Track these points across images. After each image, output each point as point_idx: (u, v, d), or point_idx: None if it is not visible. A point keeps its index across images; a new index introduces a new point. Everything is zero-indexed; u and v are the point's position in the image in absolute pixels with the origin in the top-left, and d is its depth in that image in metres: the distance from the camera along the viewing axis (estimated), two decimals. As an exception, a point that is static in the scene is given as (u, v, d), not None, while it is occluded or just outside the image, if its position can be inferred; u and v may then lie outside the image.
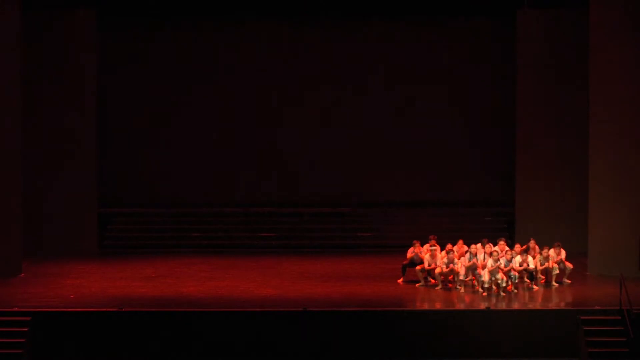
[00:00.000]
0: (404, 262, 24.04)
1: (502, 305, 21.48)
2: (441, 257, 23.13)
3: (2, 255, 24.71)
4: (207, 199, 31.54)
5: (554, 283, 23.54)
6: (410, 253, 23.88)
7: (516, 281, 22.57)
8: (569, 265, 23.71)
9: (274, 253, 28.84)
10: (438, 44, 31.84)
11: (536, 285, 23.26)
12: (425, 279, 23.62)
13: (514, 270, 22.55)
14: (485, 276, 22.33)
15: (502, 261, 22.41)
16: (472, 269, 22.77)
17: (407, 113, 31.90)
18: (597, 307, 20.77)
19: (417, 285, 23.52)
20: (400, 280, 23.96)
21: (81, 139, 28.86)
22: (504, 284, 22.28)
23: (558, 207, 28.48)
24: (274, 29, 31.80)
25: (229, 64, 31.79)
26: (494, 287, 22.43)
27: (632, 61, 24.85)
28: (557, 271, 23.56)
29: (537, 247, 23.94)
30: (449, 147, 31.75)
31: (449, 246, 23.25)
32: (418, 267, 23.56)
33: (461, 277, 22.85)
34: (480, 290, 22.53)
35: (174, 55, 31.68)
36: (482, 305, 21.35)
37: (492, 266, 22.24)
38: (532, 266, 23.27)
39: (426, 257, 23.41)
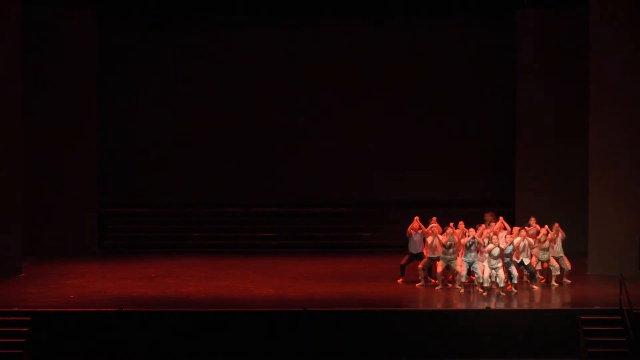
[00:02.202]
0: (402, 262, 24.03)
1: (502, 305, 21.48)
2: (443, 235, 23.14)
3: (2, 255, 24.72)
4: (207, 199, 31.53)
5: (553, 283, 23.53)
6: (410, 230, 23.76)
7: (515, 281, 22.56)
8: (568, 264, 23.68)
9: (274, 253, 28.85)
10: (438, 43, 31.82)
11: (536, 285, 23.26)
12: (426, 278, 23.64)
13: (515, 246, 22.62)
14: (486, 272, 22.31)
15: (501, 240, 22.41)
16: (472, 245, 22.65)
17: (407, 113, 31.89)
18: (597, 307, 20.77)
19: (417, 285, 23.53)
20: (400, 280, 23.96)
21: (81, 138, 28.85)
22: (502, 284, 22.30)
23: (558, 207, 28.45)
24: (274, 29, 31.77)
25: (229, 64, 31.77)
26: (494, 287, 22.45)
27: (632, 61, 24.86)
28: (558, 272, 23.54)
29: (537, 225, 23.81)
30: (448, 147, 31.73)
31: (450, 226, 23.28)
32: (420, 265, 23.57)
33: (462, 279, 22.86)
34: (480, 290, 22.54)
35: (175, 55, 31.66)
36: (482, 305, 21.36)
37: (491, 247, 22.21)
38: (531, 240, 23.20)
39: (429, 238, 23.34)
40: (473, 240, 22.62)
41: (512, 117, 29.99)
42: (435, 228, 23.45)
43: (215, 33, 31.76)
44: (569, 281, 23.86)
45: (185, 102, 31.74)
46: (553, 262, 23.48)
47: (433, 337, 20.47)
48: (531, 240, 23.28)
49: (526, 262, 23.12)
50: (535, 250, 23.38)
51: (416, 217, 24.02)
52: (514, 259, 22.73)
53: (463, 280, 22.86)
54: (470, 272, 23.07)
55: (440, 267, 23.18)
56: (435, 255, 23.30)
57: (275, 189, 31.75)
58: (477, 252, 22.72)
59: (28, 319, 20.18)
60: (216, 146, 31.78)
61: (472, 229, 22.93)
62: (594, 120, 25.38)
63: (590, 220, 25.49)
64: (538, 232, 23.63)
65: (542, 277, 23.78)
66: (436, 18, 31.44)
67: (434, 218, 23.72)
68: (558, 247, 23.64)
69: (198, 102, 31.77)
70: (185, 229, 30.62)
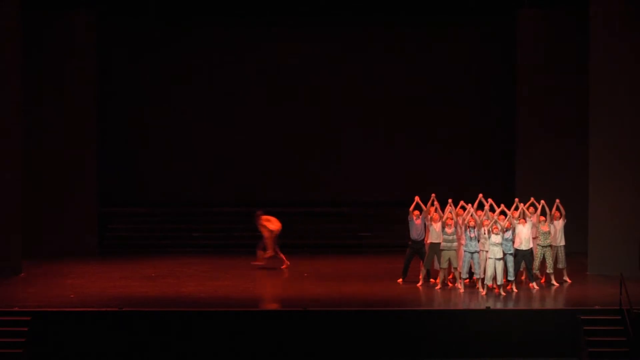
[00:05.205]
0: (405, 261, 23.87)
1: (502, 305, 21.49)
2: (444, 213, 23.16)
3: (2, 255, 24.72)
4: (206, 199, 31.53)
5: (554, 282, 23.54)
6: (415, 217, 23.65)
7: (512, 278, 22.50)
8: (563, 260, 23.57)
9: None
10: (438, 43, 31.85)
11: (536, 285, 23.24)
12: (425, 278, 23.64)
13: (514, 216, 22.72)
14: (489, 270, 22.32)
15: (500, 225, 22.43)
16: (470, 231, 22.61)
17: (407, 113, 31.92)
18: (597, 307, 20.78)
19: (417, 285, 23.53)
20: (400, 280, 23.96)
21: (81, 138, 28.82)
22: (499, 282, 22.30)
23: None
24: (273, 29, 31.78)
25: (229, 64, 31.80)
26: (494, 286, 22.46)
27: (632, 61, 24.86)
28: (552, 270, 23.50)
29: (533, 208, 23.62)
30: (448, 146, 31.76)
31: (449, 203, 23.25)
32: (422, 263, 23.59)
33: (462, 276, 22.86)
34: (481, 290, 22.54)
35: (174, 55, 31.70)
36: (482, 305, 21.37)
37: (489, 224, 22.31)
38: (534, 218, 23.15)
39: (431, 210, 23.32)
40: (473, 229, 22.56)
41: (512, 117, 30.00)
42: (434, 213, 23.37)
43: (215, 33, 31.77)
44: (569, 281, 23.87)
45: (185, 101, 31.76)
46: (548, 257, 23.36)
47: (433, 337, 20.48)
48: (531, 218, 23.13)
49: (524, 247, 22.94)
50: (534, 231, 23.25)
51: (416, 197, 23.88)
52: (514, 246, 22.67)
53: (463, 277, 22.86)
54: (470, 274, 23.08)
55: (440, 270, 23.21)
56: (437, 241, 23.21)
57: (275, 188, 31.75)
58: (478, 241, 22.67)
59: (28, 319, 20.18)
60: (216, 146, 31.78)
61: (469, 205, 22.96)
62: (594, 120, 25.38)
63: (590, 220, 25.48)
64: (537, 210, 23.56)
65: (541, 277, 23.78)
66: (435, 18, 31.42)
67: (433, 195, 23.64)
68: (560, 233, 23.52)
69: (198, 102, 31.80)
70: (185, 229, 30.61)
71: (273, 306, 21.03)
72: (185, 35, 31.72)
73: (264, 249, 25.86)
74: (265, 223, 25.89)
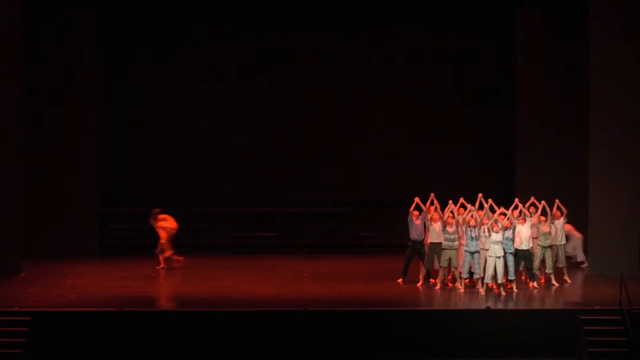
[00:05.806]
0: (405, 261, 23.89)
1: (502, 305, 21.48)
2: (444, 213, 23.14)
3: (2, 255, 24.72)
4: (206, 199, 31.52)
5: (554, 282, 23.53)
6: (415, 218, 23.67)
7: (512, 277, 22.49)
8: (563, 259, 23.64)
9: (274, 253, 28.85)
10: (438, 43, 31.84)
11: (536, 285, 23.24)
12: (425, 278, 23.63)
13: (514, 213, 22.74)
14: (489, 269, 22.32)
15: (500, 224, 22.41)
16: (471, 231, 22.59)
17: (407, 112, 31.92)
18: (597, 307, 20.78)
19: (417, 285, 23.53)
20: (400, 280, 23.96)
21: (81, 138, 28.81)
22: (499, 282, 22.29)
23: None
24: (273, 29, 31.79)
25: (229, 64, 31.80)
26: (494, 286, 22.46)
27: (632, 61, 24.86)
28: (551, 270, 23.49)
29: (533, 207, 23.60)
30: (448, 147, 31.76)
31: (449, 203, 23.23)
32: (422, 263, 23.58)
33: (463, 275, 22.86)
34: (481, 290, 22.54)
35: (174, 55, 31.70)
36: (482, 305, 21.37)
37: (489, 223, 22.32)
38: (534, 219, 23.12)
39: (431, 211, 23.29)
40: (474, 229, 22.54)
41: (512, 116, 29.99)
42: (433, 212, 23.34)
43: (215, 33, 31.77)
44: (569, 281, 23.87)
45: (186, 101, 31.76)
46: (548, 258, 23.37)
47: (433, 337, 20.47)
48: (531, 219, 23.12)
49: (524, 246, 22.93)
50: (534, 231, 23.24)
51: (416, 198, 23.86)
52: (514, 246, 22.67)
53: (464, 276, 22.86)
54: (471, 274, 23.08)
55: (440, 268, 23.21)
56: (437, 241, 23.20)
57: (275, 189, 31.76)
58: (478, 239, 22.65)
59: (28, 319, 20.18)
60: (216, 146, 31.79)
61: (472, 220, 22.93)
62: (594, 120, 25.38)
63: (590, 220, 25.49)
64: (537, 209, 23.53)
65: (541, 277, 23.78)
66: (435, 18, 31.43)
67: (432, 194, 23.62)
68: (560, 232, 23.52)
69: (198, 102, 31.80)
70: (185, 228, 30.55)
71: (273, 306, 21.00)
72: (185, 35, 31.73)
73: (162, 251, 25.86)
74: (162, 223, 25.87)
